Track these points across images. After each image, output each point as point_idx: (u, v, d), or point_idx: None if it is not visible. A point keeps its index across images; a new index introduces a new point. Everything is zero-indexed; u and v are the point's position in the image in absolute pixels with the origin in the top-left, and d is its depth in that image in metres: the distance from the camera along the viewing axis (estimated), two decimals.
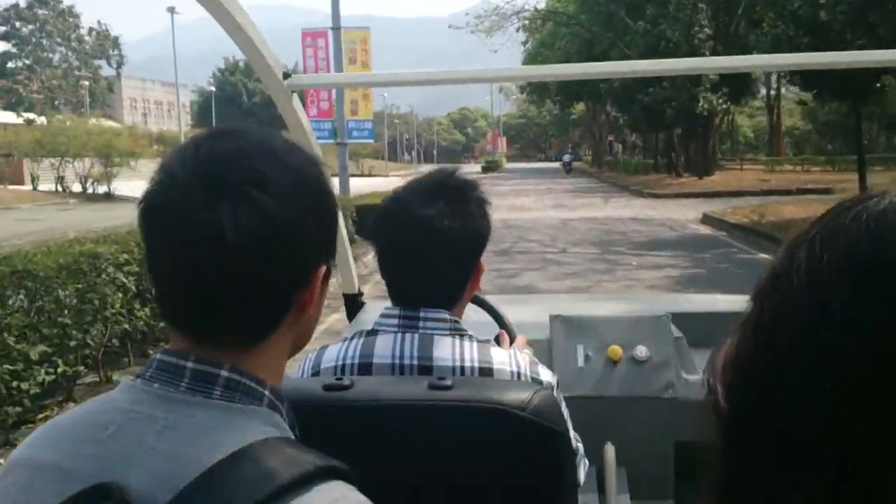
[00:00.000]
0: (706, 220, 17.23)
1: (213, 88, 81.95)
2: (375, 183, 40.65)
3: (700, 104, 28.07)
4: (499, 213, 20.90)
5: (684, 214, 19.17)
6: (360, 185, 30.12)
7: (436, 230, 1.20)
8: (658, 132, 38.86)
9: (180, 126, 28.59)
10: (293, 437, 0.75)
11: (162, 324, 5.03)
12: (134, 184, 29.72)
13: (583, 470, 1.37)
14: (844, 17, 12.84)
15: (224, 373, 0.72)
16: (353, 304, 2.26)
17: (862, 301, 0.40)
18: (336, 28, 12.67)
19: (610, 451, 1.81)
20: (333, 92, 14.36)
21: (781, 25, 14.92)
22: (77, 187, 27.04)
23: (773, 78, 49.48)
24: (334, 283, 0.97)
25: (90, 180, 26.65)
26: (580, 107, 62.87)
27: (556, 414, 1.10)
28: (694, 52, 28.64)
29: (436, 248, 1.20)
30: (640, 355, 2.00)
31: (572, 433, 1.28)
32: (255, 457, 0.66)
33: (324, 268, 0.78)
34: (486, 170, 63.39)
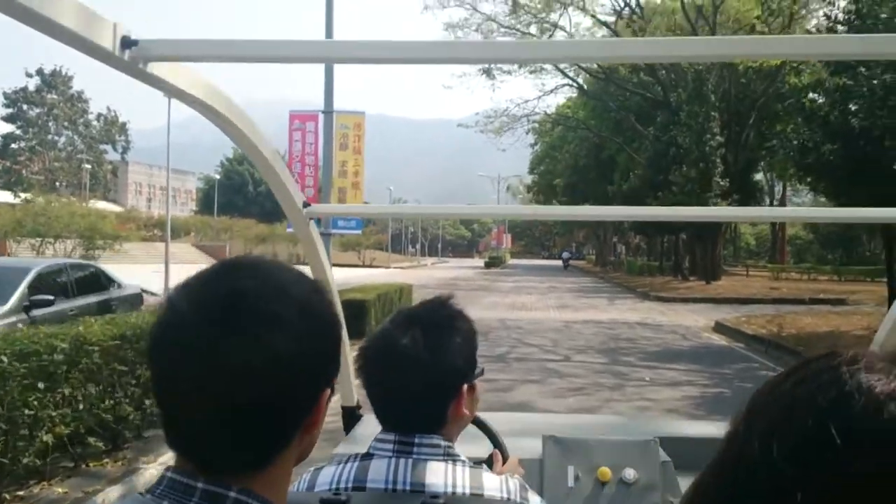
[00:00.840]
0: (720, 328, 16.04)
1: (219, 176, 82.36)
2: (375, 274, 40.01)
3: (709, 207, 27.40)
4: (498, 311, 19.78)
5: (695, 321, 17.99)
6: (354, 277, 29.43)
7: (407, 359, 1.24)
8: (666, 236, 38.16)
9: (167, 210, 27.69)
10: None
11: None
12: (116, 267, 29.05)
13: None
14: (887, 122, 11.78)
15: (232, 494, 0.73)
16: (351, 418, 2.29)
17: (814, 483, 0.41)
18: (328, 112, 11.89)
19: None
20: (319, 177, 13.56)
21: (807, 131, 13.98)
22: None
23: (778, 189, 49.61)
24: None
25: None
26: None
27: None
28: (705, 159, 28.26)
29: (407, 376, 1.24)
30: (628, 478, 2.04)
31: None
32: None
33: (328, 391, 0.80)
34: (488, 265, 62.75)
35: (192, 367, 0.71)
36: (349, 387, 2.26)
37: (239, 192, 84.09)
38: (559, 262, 76.44)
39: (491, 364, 10.70)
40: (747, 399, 0.49)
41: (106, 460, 5.94)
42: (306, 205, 1.87)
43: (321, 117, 12.44)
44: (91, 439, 5.72)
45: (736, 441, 0.47)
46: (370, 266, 55.70)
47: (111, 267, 27.01)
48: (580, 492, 2.03)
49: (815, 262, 46.57)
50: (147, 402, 6.34)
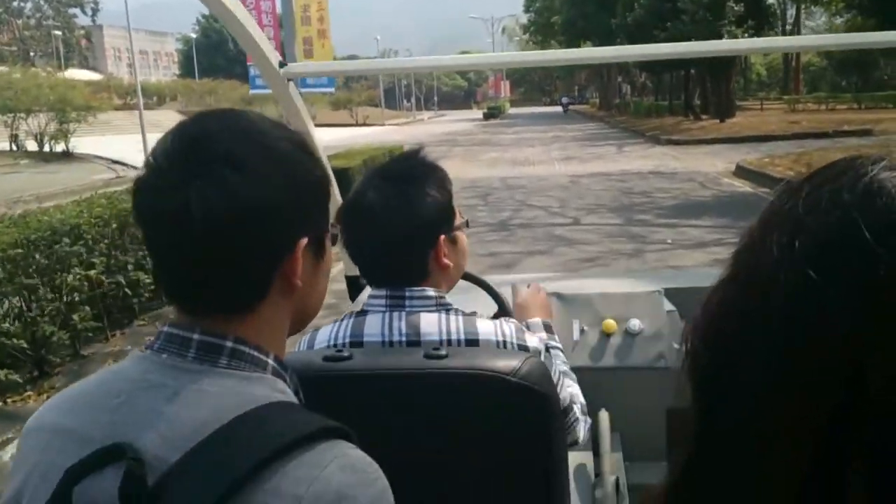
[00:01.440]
0: (741, 172, 14.64)
1: (196, 35, 78.03)
2: (368, 133, 38.06)
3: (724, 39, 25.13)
4: (499, 168, 18.27)
5: (713, 165, 16.54)
6: (345, 138, 27.55)
7: (382, 213, 1.26)
8: (674, 72, 35.75)
9: (135, 75, 25.75)
10: (298, 402, 0.79)
11: None
12: (97, 139, 27.37)
13: (582, 429, 1.43)
14: None
15: (229, 343, 0.76)
16: (355, 287, 2.33)
17: (831, 293, 0.40)
18: None
19: (604, 416, 1.91)
20: (280, 30, 11.72)
21: None
22: (33, 145, 24.48)
23: (790, 13, 46.22)
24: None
25: (46, 138, 24.05)
26: (587, 47, 59.31)
27: (545, 378, 1.16)
28: None
29: (384, 229, 1.26)
30: (633, 328, 2.07)
31: (573, 395, 1.42)
32: (261, 418, 0.71)
33: (304, 240, 0.80)
34: (487, 117, 60.29)
35: (163, 210, 0.74)
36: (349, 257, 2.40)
37: (219, 50, 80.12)
38: (558, 109, 75.20)
39: (492, 233, 9.44)
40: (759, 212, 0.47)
41: (29, 393, 4.89)
42: (282, 64, 1.86)
43: None
44: (1, 372, 4.65)
45: (751, 251, 0.45)
46: (363, 124, 53.47)
47: (90, 140, 25.70)
48: (586, 344, 2.06)
49: (829, 89, 44.71)
50: (76, 316, 5.24)
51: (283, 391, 0.78)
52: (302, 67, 2.09)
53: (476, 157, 21.05)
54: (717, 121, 27.37)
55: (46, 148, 24.47)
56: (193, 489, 0.66)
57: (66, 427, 0.75)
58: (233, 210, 0.73)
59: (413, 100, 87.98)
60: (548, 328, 1.64)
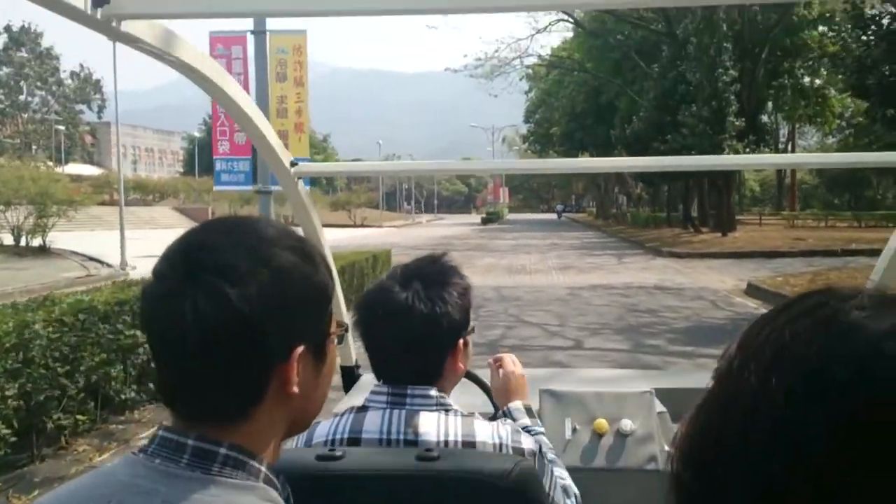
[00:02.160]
0: (753, 291, 13.58)
1: (200, 134, 79.22)
2: (365, 234, 37.49)
3: (725, 153, 24.79)
4: (494, 276, 17.19)
5: (721, 282, 15.53)
6: (341, 239, 26.98)
7: (406, 312, 1.26)
8: (672, 184, 35.57)
9: (119, 168, 25.16)
10: None
11: None
12: (83, 235, 26.49)
13: None
14: None
15: (223, 450, 0.76)
16: (350, 377, 2.35)
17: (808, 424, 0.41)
18: (259, 32, 9.03)
19: None
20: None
21: (861, 46, 11.28)
22: (10, 239, 23.53)
23: (783, 133, 46.92)
24: None
25: (24, 232, 23.14)
26: (585, 157, 60.04)
27: (535, 483, 1.18)
28: (717, 96, 25.48)
29: (407, 329, 1.27)
30: (625, 429, 2.06)
31: (564, 486, 1.42)
32: None
33: (301, 348, 0.80)
34: (485, 221, 60.11)
35: (161, 318, 0.76)
36: (347, 346, 2.29)
37: None
38: (556, 217, 76.61)
39: (479, 358, 8.22)
40: (737, 336, 0.48)
41: None
42: (293, 164, 1.92)
43: (251, 39, 9.55)
44: None
45: (730, 377, 0.46)
46: (361, 225, 53.08)
47: (75, 235, 24.90)
48: (578, 443, 2.05)
49: (821, 207, 44.83)
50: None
51: (274, 500, 0.77)
52: (311, 167, 2.17)
53: (471, 263, 20.06)
54: (719, 234, 26.64)
55: (23, 242, 23.51)
56: None
57: None
58: (224, 319, 0.74)
59: (412, 203, 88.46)
60: (528, 411, 1.60)
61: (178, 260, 0.77)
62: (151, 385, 5.93)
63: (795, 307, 0.46)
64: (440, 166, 2.41)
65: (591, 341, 9.45)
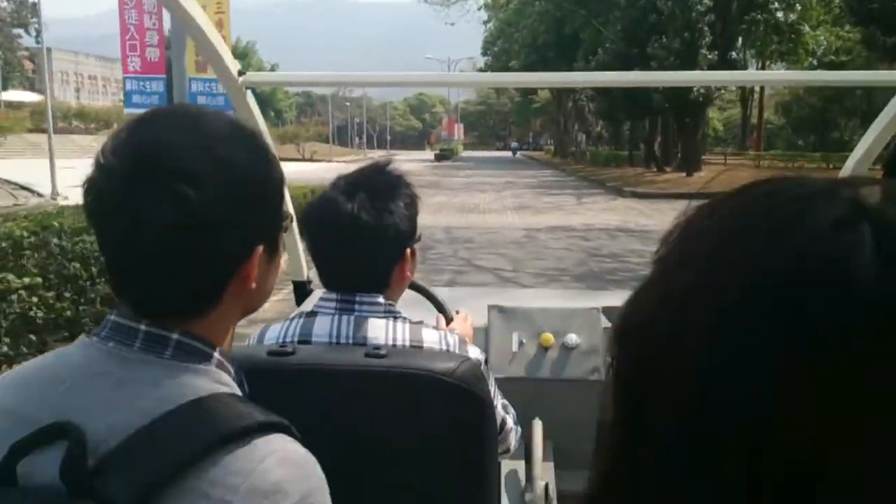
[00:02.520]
0: None
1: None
2: (313, 169, 35.41)
3: (695, 89, 23.43)
4: (445, 215, 15.57)
5: None
6: (289, 173, 25.13)
7: (353, 224, 1.26)
8: (635, 121, 34.25)
9: (48, 96, 22.76)
10: (241, 394, 0.80)
11: None
12: (18, 163, 24.09)
13: (514, 438, 1.48)
14: None
15: (175, 336, 0.77)
16: (302, 291, 2.35)
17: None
18: None
19: (538, 425, 1.97)
20: (165, 34, 9.44)
21: None
22: None
23: (754, 66, 45.80)
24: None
25: None
26: (544, 94, 58.30)
27: (480, 382, 1.19)
28: (690, 27, 23.94)
29: (354, 239, 1.27)
30: (570, 342, 2.11)
31: (504, 405, 1.45)
32: (202, 409, 0.72)
33: (261, 246, 0.80)
34: (439, 158, 58.07)
35: (115, 217, 0.74)
36: (298, 261, 2.31)
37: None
38: (517, 155, 75.74)
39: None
40: (679, 222, 0.46)
41: None
42: (241, 73, 1.90)
43: None
44: None
45: (670, 266, 0.45)
46: (310, 160, 50.76)
47: (9, 163, 22.55)
48: (524, 355, 2.09)
49: (784, 147, 43.83)
50: None
51: (226, 383, 0.78)
52: (260, 76, 2.15)
53: (422, 201, 18.52)
54: (684, 174, 25.53)
55: None
56: (131, 473, 0.67)
57: (11, 408, 0.74)
58: (187, 225, 0.73)
59: (364, 138, 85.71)
60: None
61: (131, 158, 0.73)
62: (33, 336, 4.82)
63: (742, 196, 0.44)
64: (396, 79, 2.43)
65: (549, 288, 8.09)
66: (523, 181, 30.17)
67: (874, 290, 0.37)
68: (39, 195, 18.32)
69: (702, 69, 23.62)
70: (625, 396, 0.45)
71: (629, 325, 0.46)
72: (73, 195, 17.84)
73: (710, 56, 24.40)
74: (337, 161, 51.65)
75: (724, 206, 0.45)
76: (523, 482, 1.90)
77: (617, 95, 28.39)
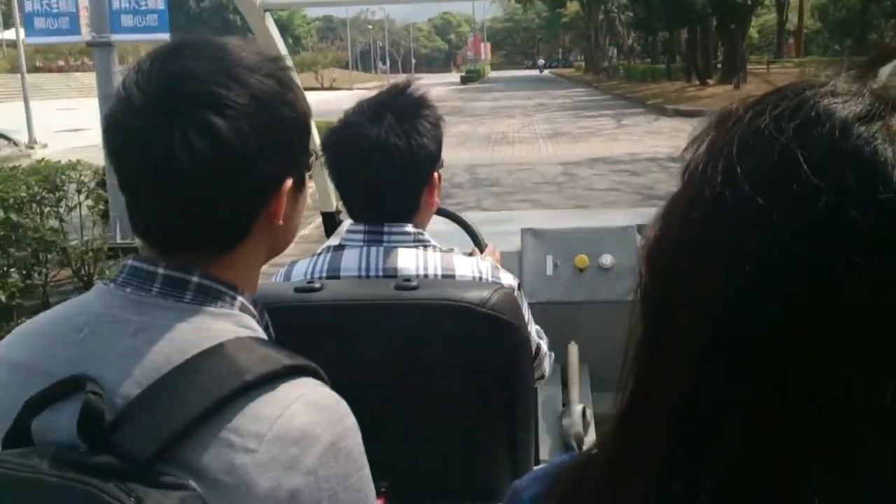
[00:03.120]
0: None
1: None
2: (330, 99, 33.50)
3: None
4: (469, 149, 13.57)
5: None
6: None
7: (381, 148, 1.21)
8: (676, 29, 31.40)
9: (17, 35, 20.62)
10: (266, 337, 0.77)
11: None
12: (10, 106, 22.72)
13: (548, 363, 1.45)
14: None
15: (195, 278, 0.74)
16: (331, 222, 2.32)
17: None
18: None
19: (573, 348, 1.94)
20: None
21: None
22: None
23: None
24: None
25: None
26: (573, 6, 54.85)
27: (514, 310, 1.16)
28: None
29: (382, 165, 1.22)
30: (605, 263, 2.06)
31: (538, 331, 1.40)
32: (224, 354, 0.69)
33: (289, 181, 0.78)
34: (465, 80, 55.36)
35: (143, 151, 0.71)
36: (326, 192, 2.25)
37: (180, 10, 74.36)
38: (546, 73, 73.40)
39: None
40: (705, 136, 0.46)
41: None
42: None
43: None
44: None
45: (695, 175, 0.44)
46: (329, 88, 48.66)
47: (8, 107, 21.23)
48: (558, 279, 2.05)
49: (821, 53, 41.46)
50: None
51: (250, 327, 0.75)
52: None
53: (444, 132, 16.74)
54: (730, 86, 23.15)
55: None
56: (151, 425, 0.64)
57: (25, 362, 0.72)
58: (219, 157, 0.70)
59: (387, 62, 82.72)
60: None
61: (158, 90, 0.71)
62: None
63: (763, 103, 0.43)
64: None
65: None
66: (555, 102, 27.99)
67: None
68: (14, 143, 16.80)
69: None
70: (655, 313, 0.45)
71: (659, 242, 0.45)
72: (57, 141, 16.52)
73: None
74: (358, 88, 49.43)
75: (748, 113, 0.43)
76: (560, 406, 1.90)
77: (654, 1, 25.79)
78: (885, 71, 1.11)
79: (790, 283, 0.39)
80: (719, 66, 28.10)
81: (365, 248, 1.25)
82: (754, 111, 0.43)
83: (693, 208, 0.43)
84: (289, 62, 1.84)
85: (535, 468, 0.67)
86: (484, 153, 13.58)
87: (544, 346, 1.42)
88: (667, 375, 0.44)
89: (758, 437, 0.40)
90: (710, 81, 26.32)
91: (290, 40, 77.86)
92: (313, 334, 0.91)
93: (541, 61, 76.73)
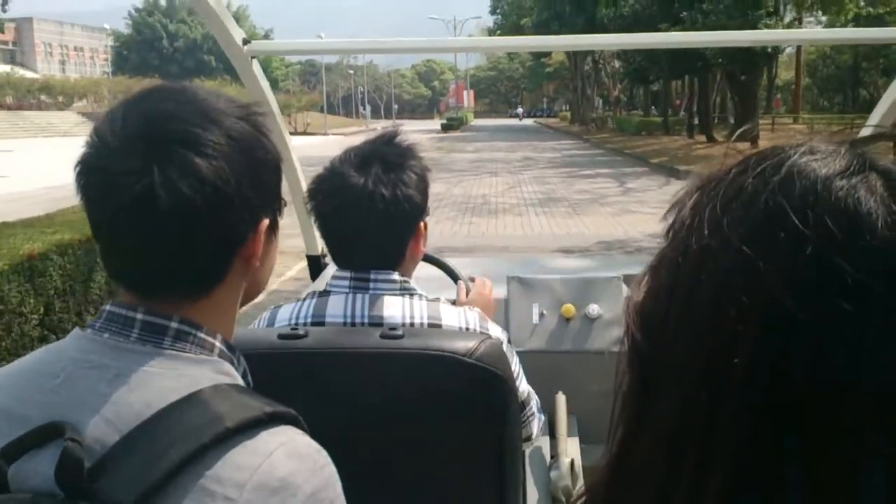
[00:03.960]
0: None
1: (128, 30, 69.98)
2: (301, 146, 30.48)
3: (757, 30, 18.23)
4: (440, 220, 10.04)
5: None
6: None
7: (367, 198, 1.22)
8: (677, 79, 28.89)
9: None
10: (245, 385, 0.77)
11: None
12: None
13: (537, 424, 1.42)
14: None
15: (174, 324, 0.73)
16: (316, 266, 2.32)
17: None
18: None
19: (561, 399, 1.92)
20: None
21: None
22: None
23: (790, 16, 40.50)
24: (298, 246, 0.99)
25: None
26: (558, 55, 52.80)
27: (502, 361, 1.14)
28: None
29: (368, 215, 1.22)
30: (592, 313, 2.07)
31: (527, 388, 1.39)
32: (204, 402, 0.68)
33: (266, 221, 0.79)
34: (445, 128, 52.20)
35: (122, 193, 0.70)
36: (312, 236, 2.26)
37: (152, 48, 71.86)
38: (525, 122, 72.57)
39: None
40: (690, 194, 0.47)
41: None
42: (246, 42, 1.88)
43: None
44: None
45: (681, 232, 0.46)
46: (304, 133, 45.79)
47: None
48: (545, 327, 2.05)
49: (810, 109, 41.15)
50: None
51: (229, 374, 0.74)
52: (265, 45, 2.09)
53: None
54: (748, 143, 20.26)
55: None
56: (130, 473, 0.64)
57: (2, 407, 0.71)
58: (200, 195, 0.70)
59: (367, 107, 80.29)
60: None
61: (133, 132, 0.71)
62: None
63: (748, 161, 0.45)
64: (403, 45, 2.38)
65: None
66: (544, 157, 25.04)
67: (888, 237, 0.39)
68: None
69: (767, 11, 18.50)
70: (642, 363, 0.46)
71: (648, 294, 0.47)
72: None
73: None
74: (334, 133, 46.69)
75: (730, 173, 0.45)
76: (548, 458, 1.88)
77: (654, 51, 23.19)
78: (874, 117, 1.46)
79: (778, 328, 0.40)
80: (716, 120, 25.44)
81: (351, 295, 1.24)
82: (737, 170, 0.45)
83: (681, 260, 0.44)
84: (274, 106, 1.55)
85: None
86: (458, 227, 10.41)
87: (534, 406, 1.40)
88: (654, 419, 0.44)
89: (747, 475, 0.41)
90: (719, 138, 23.58)
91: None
92: (296, 381, 0.89)
93: (519, 110, 76.43)
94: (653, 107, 45.45)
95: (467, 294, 1.62)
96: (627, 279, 2.09)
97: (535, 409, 1.40)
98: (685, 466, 0.42)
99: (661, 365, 0.45)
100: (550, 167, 20.72)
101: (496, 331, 1.29)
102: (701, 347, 0.42)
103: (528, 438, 1.39)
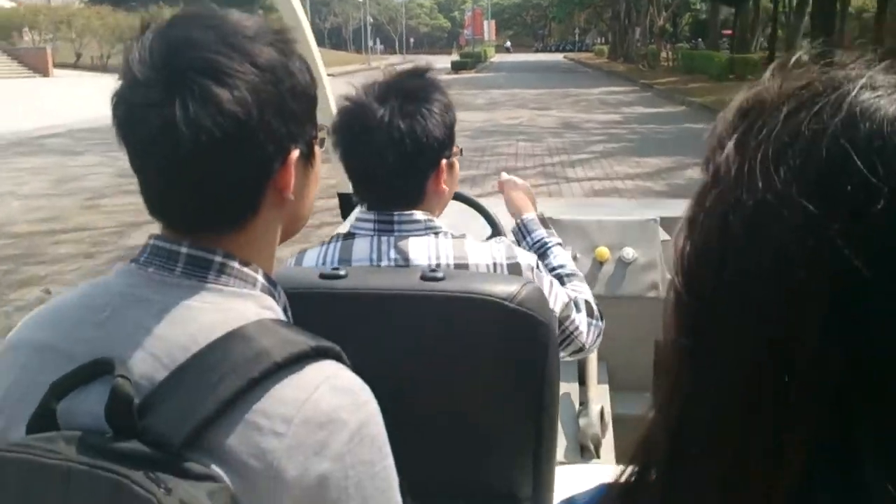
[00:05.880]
0: None
1: None
2: None
3: None
4: None
5: None
6: None
7: (382, 129, 1.21)
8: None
9: None
10: (286, 320, 0.78)
11: None
12: None
13: (591, 332, 1.40)
14: None
15: (218, 258, 0.74)
16: (347, 204, 2.29)
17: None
18: None
19: None
20: None
21: None
22: None
23: None
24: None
25: None
26: None
27: (543, 306, 1.15)
28: None
29: (383, 147, 1.22)
30: (627, 257, 2.06)
31: (566, 297, 1.35)
32: (249, 337, 0.68)
33: (296, 152, 0.77)
34: (457, 67, 42.00)
35: (146, 126, 0.70)
36: (342, 172, 2.28)
37: None
38: (555, 58, 64.31)
39: None
40: (723, 132, 0.43)
41: None
42: None
43: None
44: None
45: (728, 182, 0.41)
46: None
47: None
48: (578, 270, 1.99)
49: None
50: None
51: (272, 308, 0.76)
52: None
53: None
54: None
55: None
56: (180, 409, 0.64)
57: (48, 343, 0.72)
58: (219, 126, 0.69)
59: (377, 41, 71.17)
60: (542, 221, 1.59)
61: (158, 62, 0.70)
62: None
63: (795, 98, 0.41)
64: None
65: None
66: (596, 119, 16.68)
67: None
68: None
69: None
70: (694, 324, 0.43)
71: (696, 251, 0.43)
72: None
73: None
74: (331, 73, 38.24)
75: (781, 109, 0.41)
76: (577, 405, 1.87)
77: None
78: None
79: (851, 293, 0.37)
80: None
81: (376, 238, 1.24)
82: (789, 108, 0.41)
83: (731, 217, 0.40)
84: (308, 34, 1.48)
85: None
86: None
87: (582, 316, 1.37)
88: (710, 393, 0.41)
89: (822, 454, 0.38)
90: None
91: (262, 11, 66.81)
92: (336, 321, 0.91)
93: (508, 44, 68.66)
94: (698, 39, 37.09)
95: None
96: (664, 222, 2.09)
97: (583, 318, 1.36)
98: (755, 444, 0.39)
99: (713, 334, 0.41)
100: (600, 134, 12.66)
101: (525, 257, 1.26)
102: (763, 316, 0.39)
103: (581, 349, 1.38)
